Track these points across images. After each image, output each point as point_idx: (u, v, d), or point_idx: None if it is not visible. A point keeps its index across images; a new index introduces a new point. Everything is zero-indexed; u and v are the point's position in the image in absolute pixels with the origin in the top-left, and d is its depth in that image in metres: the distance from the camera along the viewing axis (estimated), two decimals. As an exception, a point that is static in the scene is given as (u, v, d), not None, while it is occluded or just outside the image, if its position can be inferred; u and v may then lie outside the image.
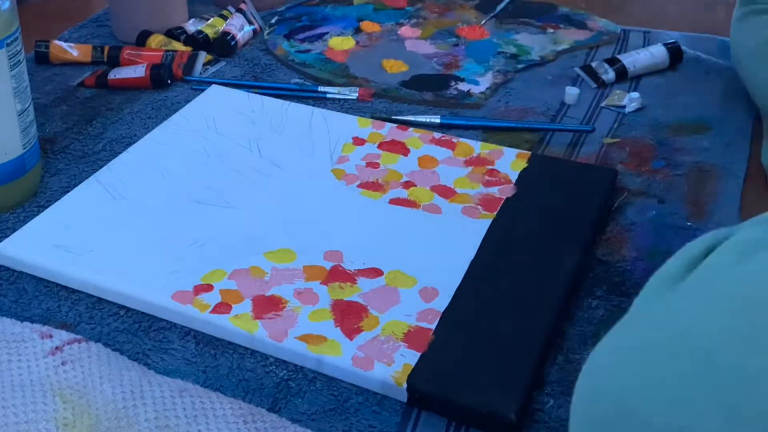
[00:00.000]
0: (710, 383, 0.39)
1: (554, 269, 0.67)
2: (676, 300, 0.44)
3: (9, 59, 0.71)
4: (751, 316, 0.40)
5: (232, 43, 1.02)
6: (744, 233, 0.45)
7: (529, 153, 0.81)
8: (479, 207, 0.74)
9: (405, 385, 0.58)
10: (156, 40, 1.01)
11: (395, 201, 0.75)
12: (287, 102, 0.90)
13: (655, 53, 0.97)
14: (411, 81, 0.96)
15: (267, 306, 0.64)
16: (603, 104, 0.92)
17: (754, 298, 0.40)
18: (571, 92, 0.92)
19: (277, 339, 0.61)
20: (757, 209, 0.78)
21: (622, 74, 0.95)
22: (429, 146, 0.82)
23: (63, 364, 0.59)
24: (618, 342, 0.45)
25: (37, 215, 0.73)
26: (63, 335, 0.62)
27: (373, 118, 0.87)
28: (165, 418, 0.56)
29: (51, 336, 0.62)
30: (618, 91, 0.93)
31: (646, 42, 1.03)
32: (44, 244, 0.70)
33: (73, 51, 0.99)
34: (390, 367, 0.59)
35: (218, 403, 0.57)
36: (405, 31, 1.07)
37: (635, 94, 0.92)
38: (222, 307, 0.64)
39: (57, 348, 0.61)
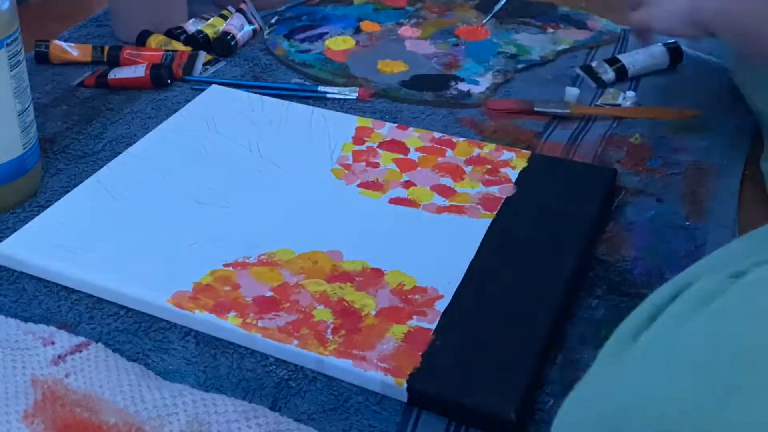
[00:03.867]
0: None
1: (554, 269, 0.67)
2: (631, 360, 0.44)
3: (9, 59, 0.71)
4: (698, 376, 0.40)
5: (232, 43, 1.02)
6: (702, 284, 0.45)
7: (529, 152, 0.81)
8: (479, 206, 0.74)
9: (405, 385, 0.58)
10: (156, 40, 1.01)
11: (395, 200, 0.75)
12: (287, 102, 0.89)
13: (655, 53, 0.97)
14: (411, 81, 0.96)
15: (267, 306, 0.64)
16: (598, 103, 0.92)
17: (701, 359, 0.41)
18: (571, 92, 0.92)
19: (277, 339, 0.61)
20: (755, 209, 0.78)
21: (622, 74, 0.95)
22: (429, 146, 0.82)
23: (66, 376, 0.59)
24: (579, 405, 0.47)
25: (37, 215, 0.73)
26: (65, 341, 0.61)
27: None
28: (165, 417, 0.56)
29: (53, 342, 0.61)
30: (612, 90, 0.93)
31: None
32: (44, 244, 0.70)
33: (73, 51, 0.99)
34: (390, 367, 0.59)
35: (218, 403, 0.57)
36: (405, 31, 1.07)
37: (630, 93, 0.92)
38: (222, 307, 0.64)
39: (59, 357, 0.60)
